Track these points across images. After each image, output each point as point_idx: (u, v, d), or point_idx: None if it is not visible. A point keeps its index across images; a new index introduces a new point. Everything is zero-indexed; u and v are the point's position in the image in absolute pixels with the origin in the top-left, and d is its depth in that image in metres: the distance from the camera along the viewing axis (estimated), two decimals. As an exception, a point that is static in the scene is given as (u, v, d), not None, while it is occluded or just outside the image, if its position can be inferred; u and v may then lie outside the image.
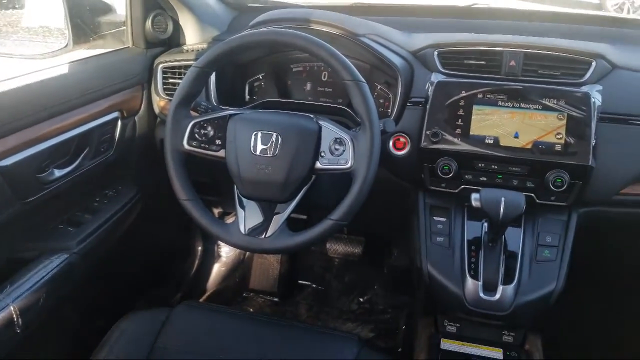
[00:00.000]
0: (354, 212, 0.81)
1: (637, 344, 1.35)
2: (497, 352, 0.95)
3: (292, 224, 0.88)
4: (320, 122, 0.85)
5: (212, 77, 1.05)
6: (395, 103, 0.98)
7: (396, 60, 0.98)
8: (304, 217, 1.12)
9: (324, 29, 1.01)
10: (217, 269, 1.64)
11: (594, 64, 0.93)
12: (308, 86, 1.14)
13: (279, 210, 0.86)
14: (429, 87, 0.94)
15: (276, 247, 0.85)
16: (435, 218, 0.95)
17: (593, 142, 0.87)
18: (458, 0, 1.27)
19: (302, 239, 0.83)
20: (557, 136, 0.88)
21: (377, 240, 1.64)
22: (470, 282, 0.87)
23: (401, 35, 1.06)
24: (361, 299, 1.61)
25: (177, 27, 1.22)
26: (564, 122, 0.88)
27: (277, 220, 0.85)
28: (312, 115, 0.87)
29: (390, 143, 0.96)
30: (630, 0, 5.12)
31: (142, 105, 1.18)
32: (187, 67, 1.08)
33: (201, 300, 1.53)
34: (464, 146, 0.91)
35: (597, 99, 0.89)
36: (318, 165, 0.84)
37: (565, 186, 0.87)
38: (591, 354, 1.28)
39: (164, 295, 1.49)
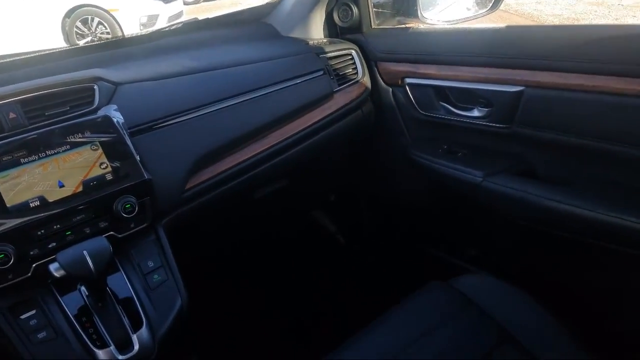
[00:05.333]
0: None
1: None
2: None
3: None
4: None
5: None
6: None
7: None
8: None
9: None
10: None
11: (96, 87, 0.98)
12: None
13: None
14: None
15: None
16: (23, 317, 0.82)
17: (138, 157, 0.93)
18: None
19: None
20: (102, 166, 0.89)
21: None
22: (101, 353, 0.81)
23: None
24: None
25: None
26: (100, 150, 0.90)
27: None
28: None
29: None
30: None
31: None
32: None
33: None
34: (8, 223, 0.79)
35: (118, 117, 0.95)
36: None
37: (137, 209, 0.91)
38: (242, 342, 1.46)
39: None
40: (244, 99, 1.14)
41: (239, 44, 1.37)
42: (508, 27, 1.18)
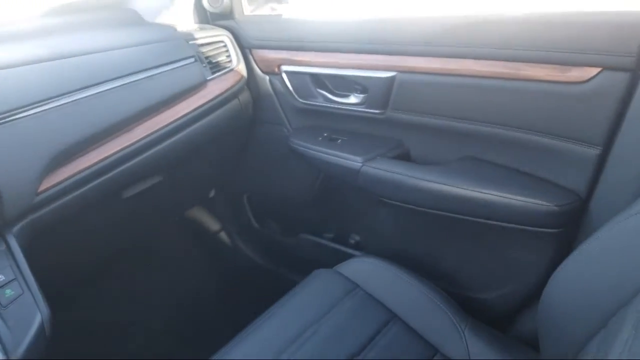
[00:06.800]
0: None
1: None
2: None
3: None
4: None
5: None
6: None
7: None
8: None
9: None
10: None
11: None
12: None
13: None
14: None
15: None
16: None
17: None
18: None
19: None
20: None
21: None
22: None
23: None
24: None
25: None
26: None
27: None
28: None
29: None
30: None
31: None
32: None
33: None
34: None
35: None
36: None
37: None
38: None
39: None
40: (105, 88, 1.06)
41: (97, 30, 1.27)
42: (378, 15, 1.22)
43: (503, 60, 1.01)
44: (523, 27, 0.99)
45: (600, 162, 0.99)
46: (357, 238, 1.53)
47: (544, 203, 1.01)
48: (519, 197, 1.03)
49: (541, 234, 1.05)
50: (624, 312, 0.65)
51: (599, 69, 0.92)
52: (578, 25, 0.93)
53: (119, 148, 1.07)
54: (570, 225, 1.05)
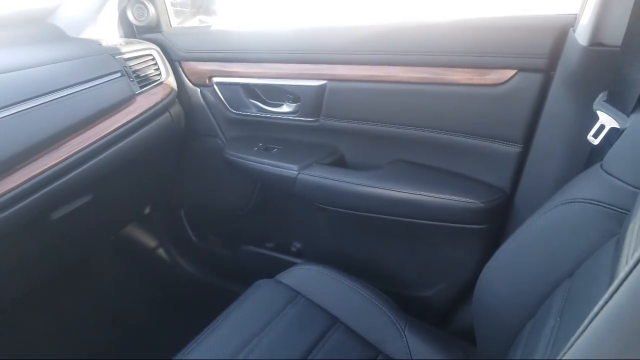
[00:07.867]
0: None
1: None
2: None
3: None
4: None
5: None
6: None
7: None
8: None
9: None
10: None
11: None
12: None
13: None
14: None
15: None
16: None
17: None
18: None
19: None
20: None
21: None
22: None
23: None
24: None
25: None
26: None
27: None
28: None
29: None
30: None
31: None
32: None
33: None
34: None
35: None
36: None
37: None
38: None
39: None
40: (28, 106, 1.01)
41: (17, 47, 1.21)
42: (306, 25, 1.23)
43: (426, 65, 1.05)
44: (443, 33, 1.03)
45: (522, 159, 1.04)
46: (298, 245, 1.54)
47: (471, 200, 1.05)
48: (447, 196, 1.07)
49: (471, 230, 1.09)
50: (550, 301, 0.68)
51: (514, 71, 0.97)
52: (493, 30, 0.98)
53: (44, 167, 1.01)
54: (497, 221, 1.10)
